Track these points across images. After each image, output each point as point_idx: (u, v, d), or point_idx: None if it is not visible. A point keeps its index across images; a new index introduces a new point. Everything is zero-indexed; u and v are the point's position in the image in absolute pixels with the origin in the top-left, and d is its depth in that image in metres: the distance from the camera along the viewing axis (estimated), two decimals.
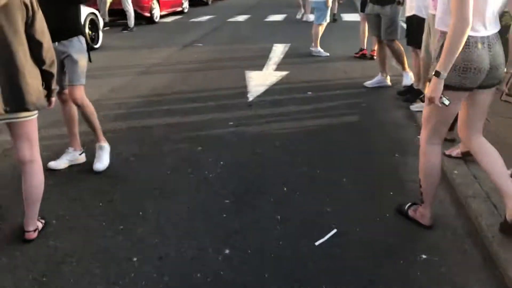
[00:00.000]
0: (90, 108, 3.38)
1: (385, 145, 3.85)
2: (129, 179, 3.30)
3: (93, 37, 8.51)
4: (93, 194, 3.08)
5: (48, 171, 3.24)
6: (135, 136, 4.12)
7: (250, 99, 5.24)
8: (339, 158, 3.61)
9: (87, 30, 8.16)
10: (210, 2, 18.65)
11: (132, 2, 10.96)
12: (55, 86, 2.49)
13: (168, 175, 3.36)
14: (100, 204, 2.94)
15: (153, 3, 12.37)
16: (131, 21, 10.93)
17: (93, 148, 3.53)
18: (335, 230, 2.61)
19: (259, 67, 6.75)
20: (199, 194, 3.06)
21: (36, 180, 2.48)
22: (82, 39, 3.19)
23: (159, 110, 4.88)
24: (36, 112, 2.40)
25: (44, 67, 2.36)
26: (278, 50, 8.02)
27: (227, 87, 5.80)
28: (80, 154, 3.53)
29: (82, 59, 3.19)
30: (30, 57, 2.28)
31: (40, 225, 2.62)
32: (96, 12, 8.78)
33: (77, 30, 3.16)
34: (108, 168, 3.44)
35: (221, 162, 3.54)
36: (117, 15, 11.43)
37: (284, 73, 6.38)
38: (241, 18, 13.20)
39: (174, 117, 4.62)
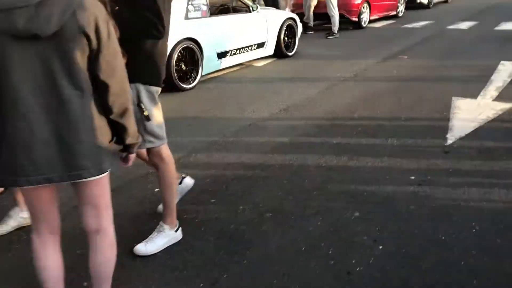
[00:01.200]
0: (170, 173, 2.49)
1: None
2: (252, 248, 2.52)
3: (289, 44, 8.05)
4: (200, 265, 2.39)
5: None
6: (284, 180, 3.32)
7: (450, 141, 3.90)
8: None
9: (282, 37, 7.75)
10: (431, 5, 16.66)
11: (340, 5, 10.24)
12: (131, 141, 1.82)
13: (302, 253, 2.46)
14: (201, 285, 2.24)
15: (363, 7, 11.41)
16: (336, 26, 10.23)
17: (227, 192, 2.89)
18: None
19: (473, 94, 5.19)
20: None
21: (102, 256, 1.88)
22: (148, 89, 2.26)
23: (326, 143, 3.99)
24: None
25: (112, 117, 1.71)
26: (506, 71, 6.18)
27: (422, 118, 4.55)
28: None
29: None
30: (95, 105, 1.67)
31: None
32: (296, 17, 8.31)
33: (139, 76, 2.20)
34: (236, 225, 2.75)
35: (380, 247, 2.47)
36: (323, 18, 10.88)
37: (508, 105, 4.73)
38: (464, 25, 11.15)
39: (340, 157, 3.67)
